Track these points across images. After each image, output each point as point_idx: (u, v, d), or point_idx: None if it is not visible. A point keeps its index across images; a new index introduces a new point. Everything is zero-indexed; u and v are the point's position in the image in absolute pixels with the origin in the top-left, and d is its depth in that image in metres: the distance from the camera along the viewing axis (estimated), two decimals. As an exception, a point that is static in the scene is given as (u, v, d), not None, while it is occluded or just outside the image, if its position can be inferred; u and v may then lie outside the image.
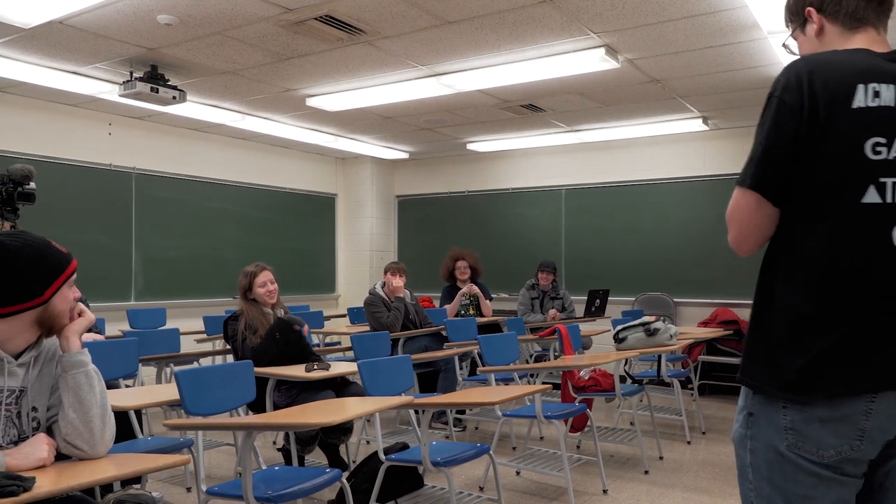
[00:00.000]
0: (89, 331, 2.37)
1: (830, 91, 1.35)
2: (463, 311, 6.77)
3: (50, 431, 1.93)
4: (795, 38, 1.60)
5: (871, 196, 1.34)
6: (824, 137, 1.35)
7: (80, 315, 1.98)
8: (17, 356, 1.88)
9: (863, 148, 1.34)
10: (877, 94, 1.35)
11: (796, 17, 1.57)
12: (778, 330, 1.41)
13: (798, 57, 1.45)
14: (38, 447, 1.83)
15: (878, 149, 1.34)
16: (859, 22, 1.47)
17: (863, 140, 1.34)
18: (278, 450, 4.45)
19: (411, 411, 3.77)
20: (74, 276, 1.97)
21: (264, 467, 3.29)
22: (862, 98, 1.35)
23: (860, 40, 1.46)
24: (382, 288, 5.80)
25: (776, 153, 1.38)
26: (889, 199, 1.34)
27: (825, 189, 1.36)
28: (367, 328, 5.76)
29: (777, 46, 4.72)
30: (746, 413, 1.47)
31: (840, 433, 1.34)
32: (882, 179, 1.34)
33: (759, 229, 1.43)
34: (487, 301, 6.85)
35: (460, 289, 6.82)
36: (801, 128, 1.36)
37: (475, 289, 6.77)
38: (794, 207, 1.40)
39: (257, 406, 3.83)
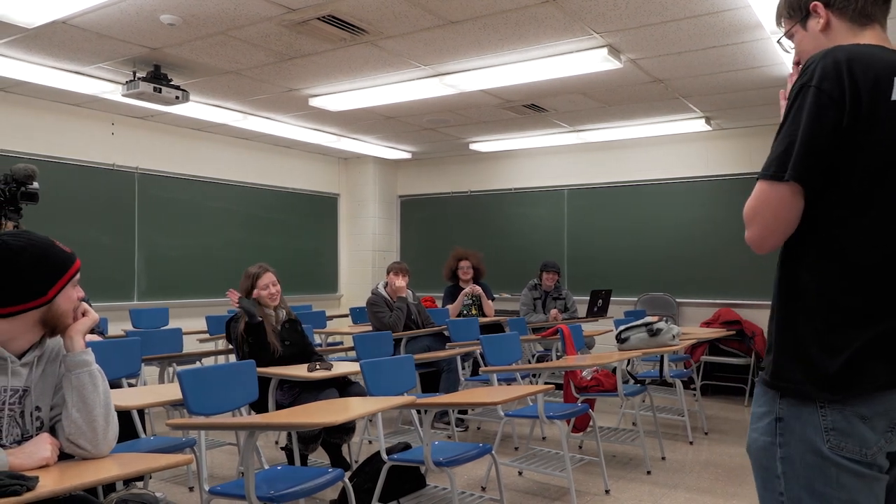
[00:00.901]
0: (91, 331, 2.38)
1: (872, 81, 1.33)
2: (465, 311, 6.77)
3: (53, 431, 1.93)
4: (792, 34, 1.57)
5: None
6: (868, 128, 1.32)
7: (83, 314, 1.98)
8: (20, 356, 1.89)
9: None
10: None
11: (797, 11, 1.54)
12: (812, 326, 1.37)
13: (791, 52, 1.47)
14: (42, 447, 1.83)
15: None
16: (867, 19, 1.46)
17: None
18: (282, 448, 4.45)
19: (413, 411, 3.77)
20: (78, 275, 1.97)
21: (267, 467, 3.29)
22: None
23: (868, 37, 1.46)
24: (385, 288, 5.80)
25: (818, 142, 1.33)
26: None
27: (868, 179, 1.33)
28: (370, 328, 5.76)
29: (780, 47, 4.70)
30: (773, 419, 1.40)
31: (878, 428, 1.33)
32: None
33: (787, 223, 1.38)
34: (490, 301, 6.85)
35: (463, 289, 6.82)
36: (843, 117, 1.32)
37: (478, 289, 6.77)
38: (832, 199, 1.36)
39: (259, 406, 3.83)
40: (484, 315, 6.75)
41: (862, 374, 1.32)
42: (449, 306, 6.80)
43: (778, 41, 1.67)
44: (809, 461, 1.36)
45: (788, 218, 1.37)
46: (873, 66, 1.34)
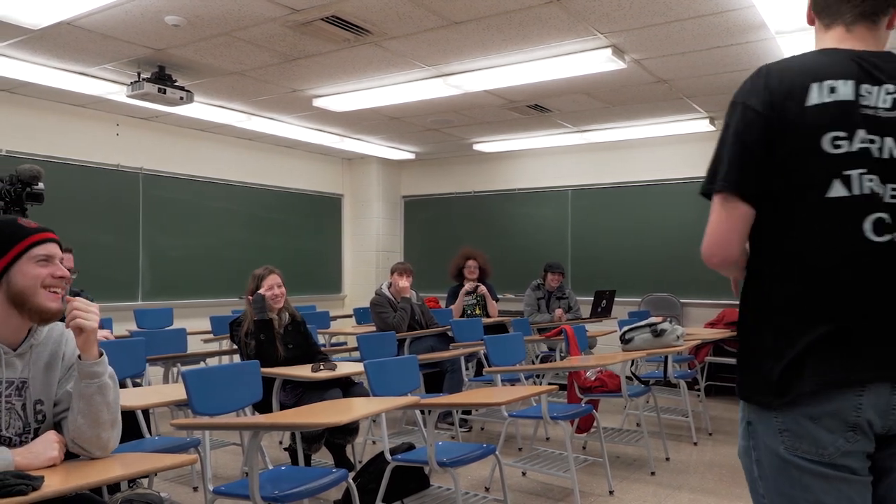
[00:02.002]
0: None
1: (786, 91, 1.37)
2: (469, 311, 6.78)
3: (58, 426, 1.93)
4: None
5: (837, 190, 1.33)
6: (784, 137, 1.36)
7: (75, 310, 1.87)
8: (15, 347, 1.88)
9: (820, 144, 1.34)
10: (832, 90, 1.36)
11: None
12: (763, 335, 1.41)
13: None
14: (49, 446, 1.82)
15: (838, 142, 1.34)
16: (831, 19, 1.47)
17: (819, 136, 1.34)
18: (285, 449, 4.46)
19: (417, 412, 3.77)
20: (42, 249, 1.88)
21: (271, 467, 3.29)
22: (816, 95, 1.36)
23: (831, 37, 1.47)
24: (388, 288, 5.81)
25: (744, 155, 1.39)
26: (857, 191, 1.33)
27: (792, 189, 1.36)
28: (374, 328, 5.76)
29: (784, 46, 4.70)
30: (746, 423, 1.46)
31: (832, 428, 1.32)
32: (846, 172, 1.33)
33: (722, 235, 1.42)
34: (494, 301, 6.86)
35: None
36: (767, 129, 1.37)
37: (483, 288, 6.78)
38: (767, 210, 1.39)
39: (263, 406, 3.84)
40: (488, 315, 6.76)
41: (801, 377, 1.34)
42: (452, 307, 6.80)
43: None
44: (774, 464, 1.39)
45: (722, 230, 1.42)
46: (789, 75, 1.39)
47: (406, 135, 8.01)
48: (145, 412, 3.68)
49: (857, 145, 1.33)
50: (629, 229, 7.95)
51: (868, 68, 1.38)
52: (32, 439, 1.87)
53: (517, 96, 6.20)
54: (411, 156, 9.19)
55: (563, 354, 5.60)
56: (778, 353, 1.37)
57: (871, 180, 1.33)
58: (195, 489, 4.17)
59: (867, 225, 1.32)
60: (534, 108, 6.61)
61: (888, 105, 1.35)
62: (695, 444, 5.26)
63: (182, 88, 5.39)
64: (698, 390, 6.23)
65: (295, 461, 4.03)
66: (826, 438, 1.33)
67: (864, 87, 1.36)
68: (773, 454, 1.39)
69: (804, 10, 1.57)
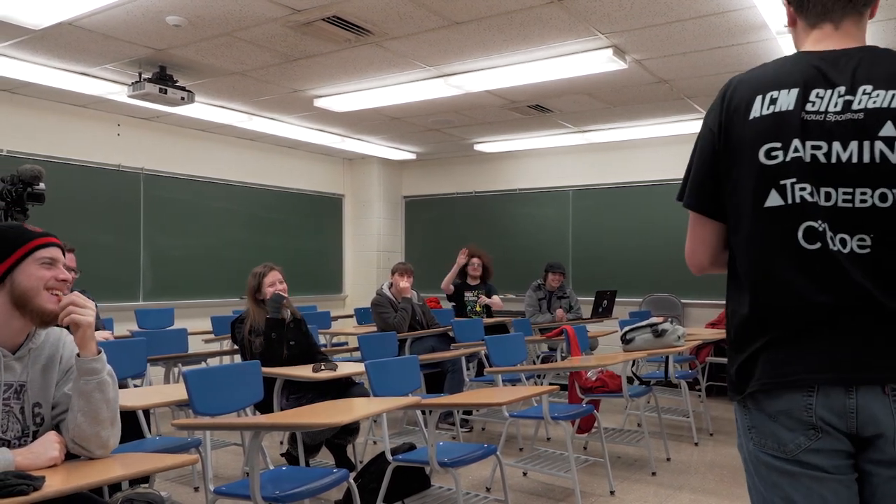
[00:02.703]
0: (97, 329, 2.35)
1: (734, 107, 1.44)
2: (470, 308, 6.80)
3: (57, 429, 1.93)
4: None
5: (773, 199, 1.38)
6: (727, 153, 1.44)
7: (70, 304, 1.88)
8: (14, 351, 1.88)
9: (757, 156, 1.39)
10: (773, 101, 1.39)
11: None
12: (729, 335, 1.49)
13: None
14: (50, 446, 1.83)
15: (774, 153, 1.38)
16: (818, 18, 1.46)
17: (757, 148, 1.39)
18: (282, 455, 4.45)
19: (418, 412, 3.77)
20: (46, 252, 1.90)
21: (272, 467, 3.29)
22: (758, 108, 1.41)
23: (813, 38, 1.46)
24: (389, 288, 5.81)
25: (700, 171, 1.49)
26: (790, 200, 1.36)
27: (738, 200, 1.43)
28: (374, 329, 5.77)
29: (785, 46, 4.70)
30: (736, 419, 1.53)
31: (790, 426, 1.36)
32: (782, 182, 1.37)
33: (704, 243, 1.52)
34: (497, 298, 6.91)
35: (470, 285, 6.86)
36: (715, 148, 1.46)
37: (484, 299, 6.81)
38: (727, 220, 1.48)
39: (264, 406, 3.84)
40: (490, 315, 6.79)
41: (751, 376, 1.40)
42: (449, 307, 6.82)
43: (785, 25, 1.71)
44: (750, 458, 1.45)
45: (691, 242, 1.54)
46: (742, 89, 1.45)
47: (407, 135, 8.01)
48: (146, 412, 3.68)
49: (790, 155, 1.36)
50: (630, 229, 7.95)
51: (826, 70, 1.38)
52: (31, 443, 1.87)
53: (518, 96, 6.20)
54: (412, 156, 9.20)
55: (564, 355, 5.59)
56: (737, 353, 1.44)
57: (802, 189, 1.35)
58: (196, 489, 4.18)
59: (800, 233, 1.36)
60: (535, 108, 6.61)
61: (838, 108, 1.34)
62: (696, 444, 5.25)
63: (183, 88, 5.40)
64: (699, 390, 6.23)
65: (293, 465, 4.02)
66: (786, 436, 1.36)
67: (815, 93, 1.37)
68: (747, 449, 1.45)
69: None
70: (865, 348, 1.32)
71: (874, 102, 1.32)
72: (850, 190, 1.33)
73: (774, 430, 1.38)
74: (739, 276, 1.45)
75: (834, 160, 1.34)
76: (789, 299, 1.36)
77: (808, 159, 1.35)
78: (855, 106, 1.33)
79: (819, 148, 1.35)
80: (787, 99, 1.38)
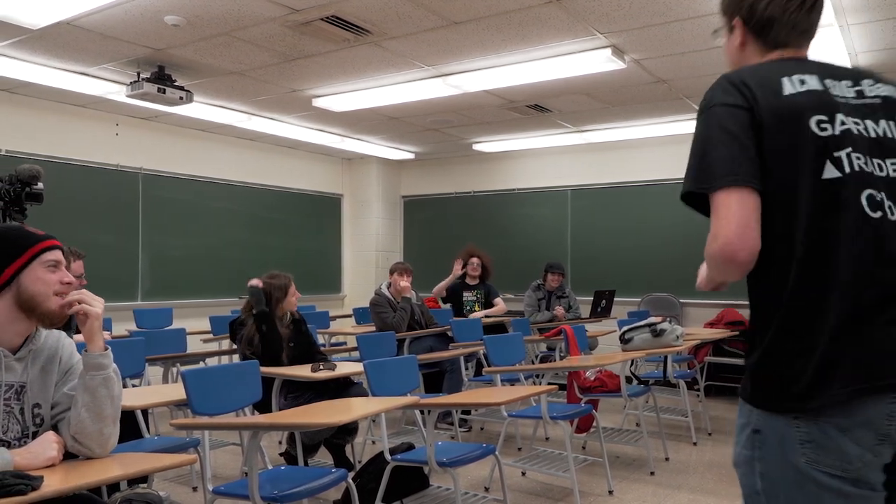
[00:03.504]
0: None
1: (758, 85, 1.36)
2: (469, 308, 6.80)
3: (55, 428, 1.93)
4: (725, 34, 1.58)
5: (830, 171, 1.31)
6: (771, 125, 1.32)
7: (78, 303, 1.91)
8: (14, 351, 1.89)
9: (809, 126, 1.32)
10: (803, 82, 1.37)
11: (725, 17, 1.55)
12: (776, 334, 1.31)
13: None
14: (48, 446, 1.83)
15: (823, 125, 1.33)
16: (777, 47, 1.48)
17: (807, 119, 1.33)
18: (280, 455, 4.45)
19: (417, 412, 3.77)
20: (50, 255, 1.91)
21: (270, 467, 3.29)
22: (789, 87, 1.36)
23: (776, 55, 1.48)
24: (388, 288, 5.81)
25: (734, 145, 1.32)
26: (848, 169, 1.31)
27: (784, 174, 1.31)
28: (373, 328, 5.76)
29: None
30: (751, 431, 1.34)
31: (862, 440, 1.23)
32: (836, 154, 1.32)
33: (755, 223, 1.30)
34: (500, 301, 6.91)
35: (468, 285, 6.86)
36: (753, 119, 1.33)
37: (483, 312, 6.79)
38: (766, 201, 1.32)
39: (263, 406, 3.84)
40: (489, 310, 6.81)
41: (831, 381, 1.24)
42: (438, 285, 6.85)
43: (713, 31, 1.67)
44: (788, 477, 1.28)
45: (740, 222, 1.31)
46: (758, 73, 1.40)
47: (406, 135, 8.01)
48: (145, 412, 3.68)
49: (839, 128, 1.34)
50: (629, 229, 7.95)
51: (823, 67, 1.43)
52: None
53: (517, 96, 6.20)
54: (411, 156, 9.20)
55: (562, 354, 5.60)
56: (799, 353, 1.27)
57: (858, 158, 1.32)
58: (195, 489, 4.17)
59: (864, 201, 1.30)
60: (533, 108, 6.61)
61: (853, 95, 1.39)
62: (694, 444, 5.26)
63: (182, 88, 5.39)
64: (698, 390, 6.23)
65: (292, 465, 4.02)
66: (853, 452, 1.23)
67: (828, 81, 1.39)
68: (789, 467, 1.27)
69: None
70: None
71: (882, 92, 1.40)
72: None
73: (842, 445, 1.23)
74: (787, 259, 1.30)
75: (874, 135, 1.36)
76: (863, 271, 1.26)
77: (856, 132, 1.35)
78: (868, 93, 1.39)
79: (858, 124, 1.36)
80: (813, 81, 1.38)
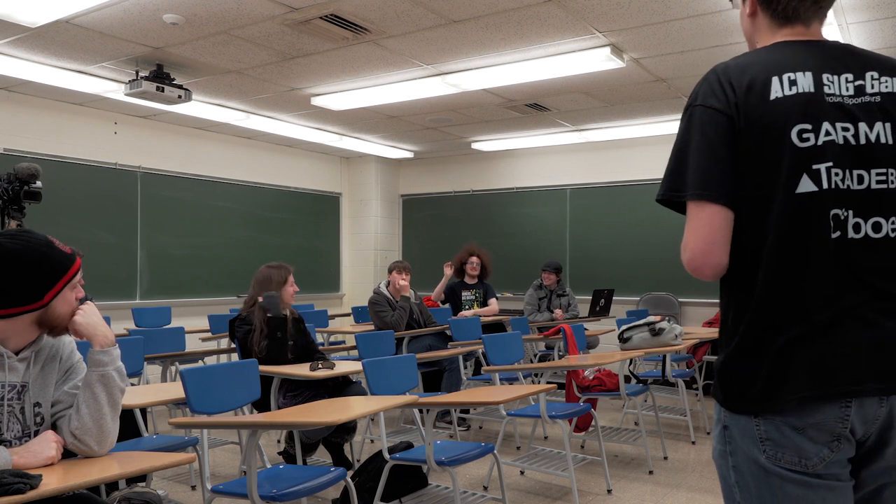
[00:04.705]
0: None
1: (745, 87, 1.33)
2: (468, 307, 6.80)
3: (55, 427, 1.94)
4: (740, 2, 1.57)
5: (806, 185, 1.29)
6: (751, 133, 1.31)
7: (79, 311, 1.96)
8: (17, 352, 1.89)
9: (789, 137, 1.30)
10: (793, 83, 1.32)
11: None
12: (739, 339, 1.35)
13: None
14: (47, 445, 1.84)
15: (805, 135, 1.30)
16: (788, 19, 1.43)
17: (788, 129, 1.30)
18: (279, 453, 4.45)
19: (415, 410, 3.77)
20: (78, 276, 1.95)
21: (269, 466, 3.29)
22: (778, 88, 1.32)
23: (785, 34, 1.43)
24: (387, 287, 5.81)
25: (711, 156, 1.33)
26: (824, 185, 1.29)
27: (762, 186, 1.31)
28: (372, 327, 5.76)
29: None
30: (722, 427, 1.38)
31: (817, 438, 1.27)
32: (815, 166, 1.29)
33: (723, 238, 1.32)
34: (493, 299, 6.90)
35: (467, 284, 6.85)
36: (732, 128, 1.32)
37: (479, 311, 6.79)
38: (741, 209, 1.33)
39: (262, 405, 3.84)
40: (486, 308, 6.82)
41: (784, 385, 1.28)
42: (439, 294, 6.83)
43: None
44: (753, 471, 1.33)
45: (705, 237, 1.33)
46: (748, 71, 1.35)
47: (404, 133, 8.00)
48: (143, 411, 3.68)
49: (822, 138, 1.30)
50: (628, 228, 7.96)
51: (826, 58, 1.36)
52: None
53: (516, 95, 6.20)
54: (410, 154, 9.19)
55: (561, 353, 5.60)
56: (754, 361, 1.31)
57: (837, 174, 1.29)
58: (193, 488, 4.17)
59: (830, 221, 1.29)
60: (532, 106, 6.61)
61: (852, 92, 1.32)
62: (693, 443, 5.26)
63: (180, 87, 5.39)
64: (696, 389, 6.24)
65: (291, 464, 4.02)
66: (810, 449, 1.28)
67: (826, 77, 1.33)
68: (752, 461, 1.32)
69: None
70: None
71: (887, 87, 1.32)
72: (884, 171, 1.29)
73: (798, 443, 1.28)
74: (754, 268, 1.32)
75: (864, 141, 1.30)
76: (823, 291, 1.28)
77: (840, 141, 1.30)
78: (869, 90, 1.32)
79: (847, 129, 1.30)
80: (805, 81, 1.32)
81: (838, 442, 1.27)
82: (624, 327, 4.92)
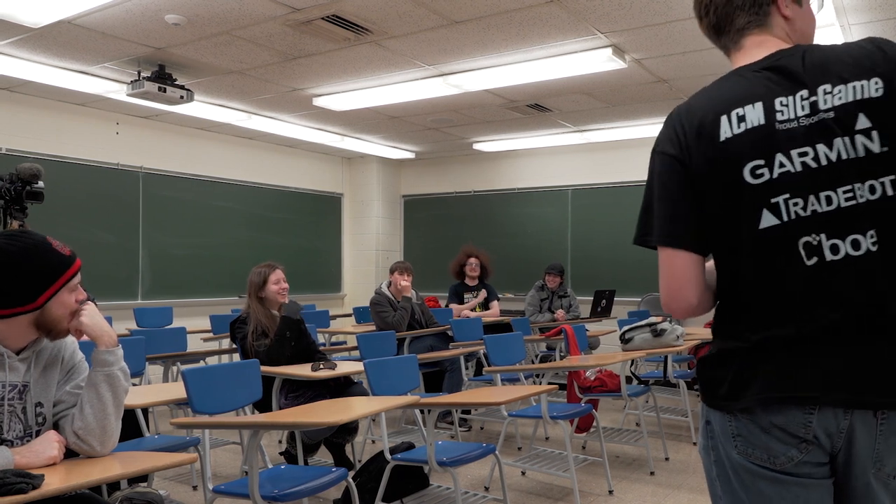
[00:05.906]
0: None
1: (696, 130, 1.36)
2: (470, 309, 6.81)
3: (57, 427, 1.94)
4: None
5: (768, 220, 1.31)
6: (705, 177, 1.35)
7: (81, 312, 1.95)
8: (17, 352, 1.89)
9: (742, 176, 1.32)
10: (741, 119, 1.32)
11: None
12: (716, 345, 1.43)
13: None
14: (49, 445, 1.83)
15: (759, 171, 1.31)
16: (739, 33, 1.44)
17: (741, 168, 1.32)
18: (280, 454, 4.45)
19: (417, 411, 3.77)
20: (76, 278, 1.94)
21: (270, 466, 3.29)
22: (727, 128, 1.33)
23: (739, 58, 1.44)
24: (388, 287, 5.81)
25: (669, 203, 1.39)
26: (786, 217, 1.30)
27: (727, 225, 1.35)
28: (373, 328, 5.77)
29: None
30: (704, 422, 1.44)
31: (784, 439, 1.30)
32: (773, 200, 1.30)
33: (689, 280, 1.41)
34: (494, 302, 6.90)
35: (468, 286, 6.85)
36: (687, 173, 1.37)
37: (481, 313, 6.78)
38: (705, 251, 1.40)
39: (263, 405, 3.84)
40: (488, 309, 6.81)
41: (748, 388, 1.33)
42: (452, 305, 6.80)
43: None
44: (728, 465, 1.38)
45: (674, 282, 1.43)
46: (697, 114, 1.37)
47: (406, 134, 8.01)
48: (145, 411, 3.68)
49: (777, 171, 1.30)
50: (629, 229, 7.78)
51: (777, 79, 1.34)
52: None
53: (517, 96, 6.20)
54: (411, 155, 9.20)
55: (562, 354, 5.60)
56: (725, 364, 1.37)
57: (796, 204, 1.30)
58: (195, 488, 4.18)
59: (801, 250, 1.30)
60: (534, 107, 6.61)
61: (807, 111, 1.30)
62: (694, 443, 5.26)
63: (182, 87, 5.39)
64: (698, 390, 6.23)
65: (292, 464, 4.02)
66: (778, 448, 1.30)
67: (779, 101, 1.32)
68: (728, 456, 1.37)
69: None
70: (870, 368, 1.26)
71: (839, 99, 1.29)
72: (850, 187, 1.28)
73: (766, 441, 1.31)
74: (730, 296, 1.39)
75: (825, 162, 1.29)
76: (787, 311, 1.31)
77: (798, 168, 1.30)
78: (822, 106, 1.30)
79: (806, 154, 1.30)
80: (754, 114, 1.32)
81: (806, 444, 1.29)
82: (625, 328, 4.91)
